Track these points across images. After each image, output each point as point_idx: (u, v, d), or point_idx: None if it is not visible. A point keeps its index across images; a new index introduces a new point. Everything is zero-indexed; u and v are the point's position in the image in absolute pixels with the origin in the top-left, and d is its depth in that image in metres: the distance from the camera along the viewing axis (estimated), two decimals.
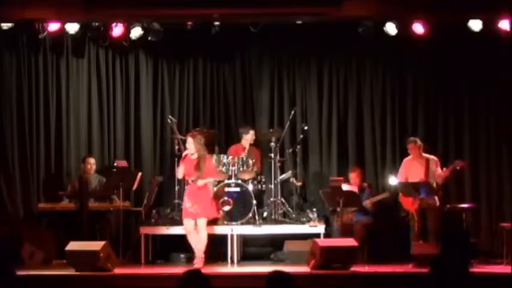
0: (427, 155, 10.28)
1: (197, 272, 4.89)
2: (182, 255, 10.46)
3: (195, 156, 9.72)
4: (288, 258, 10.13)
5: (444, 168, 10.16)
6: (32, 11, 10.00)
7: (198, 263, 9.45)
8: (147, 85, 11.49)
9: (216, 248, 10.49)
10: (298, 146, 11.00)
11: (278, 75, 11.60)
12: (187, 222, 9.66)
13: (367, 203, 10.39)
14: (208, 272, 8.74)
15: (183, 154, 9.88)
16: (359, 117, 11.43)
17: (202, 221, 9.61)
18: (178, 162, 10.64)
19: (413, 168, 10.24)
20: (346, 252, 9.08)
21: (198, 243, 9.57)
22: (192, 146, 9.72)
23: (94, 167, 10.87)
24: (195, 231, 9.62)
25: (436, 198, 10.08)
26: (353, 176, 10.72)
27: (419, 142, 10.30)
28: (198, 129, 10.94)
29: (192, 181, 9.70)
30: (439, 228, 9.94)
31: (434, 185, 10.09)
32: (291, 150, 11.10)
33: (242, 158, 10.59)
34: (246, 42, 11.47)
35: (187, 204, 9.65)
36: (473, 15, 10.31)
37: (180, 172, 9.85)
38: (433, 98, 11.30)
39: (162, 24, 10.79)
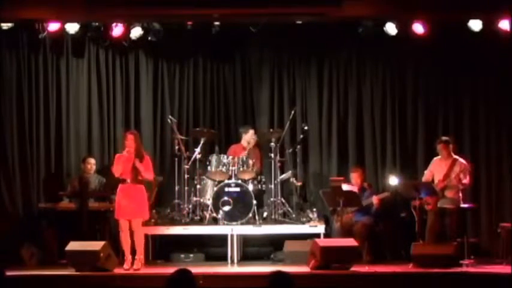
0: (457, 157, 10.21)
1: (186, 271, 4.89)
2: (182, 255, 10.47)
3: (132, 155, 9.38)
4: (288, 258, 10.10)
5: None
6: (32, 11, 10.00)
7: (137, 264, 9.31)
8: (147, 85, 11.49)
9: (216, 248, 10.51)
10: (298, 146, 10.98)
11: (278, 75, 11.59)
12: (123, 222, 9.44)
13: (374, 198, 10.36)
14: (209, 272, 8.83)
15: (119, 154, 9.57)
16: (359, 117, 11.42)
17: (138, 222, 9.47)
18: (179, 162, 10.67)
19: (439, 168, 10.20)
20: (346, 252, 9.07)
21: (137, 244, 9.39)
22: (132, 144, 9.41)
23: (94, 167, 10.88)
24: (129, 231, 9.41)
25: (460, 198, 10.07)
26: (354, 176, 10.71)
27: (448, 143, 10.22)
28: (198, 129, 10.98)
29: (127, 182, 9.42)
30: (458, 228, 9.92)
31: (460, 186, 10.04)
32: (291, 150, 11.08)
33: (242, 158, 10.58)
34: (246, 42, 11.46)
35: (122, 203, 9.43)
36: (473, 15, 10.32)
37: (117, 171, 9.47)
38: (433, 98, 11.30)
39: (162, 24, 10.80)
